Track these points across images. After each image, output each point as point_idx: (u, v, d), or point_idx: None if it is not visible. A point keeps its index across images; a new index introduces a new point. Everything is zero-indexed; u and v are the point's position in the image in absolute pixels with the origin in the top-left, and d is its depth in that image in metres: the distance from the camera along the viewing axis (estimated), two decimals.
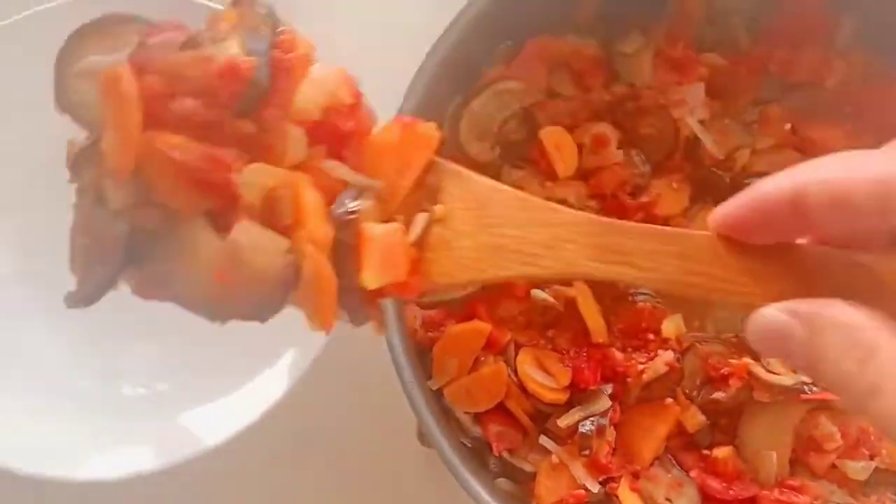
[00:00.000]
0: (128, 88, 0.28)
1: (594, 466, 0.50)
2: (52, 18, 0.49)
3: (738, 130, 0.59)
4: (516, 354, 0.52)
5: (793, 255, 0.29)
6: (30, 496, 0.51)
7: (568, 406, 0.51)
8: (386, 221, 0.30)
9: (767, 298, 0.28)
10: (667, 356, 0.52)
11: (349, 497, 0.57)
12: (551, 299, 0.53)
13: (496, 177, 0.57)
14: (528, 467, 0.50)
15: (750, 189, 0.30)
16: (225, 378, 0.50)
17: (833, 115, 0.59)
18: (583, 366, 0.51)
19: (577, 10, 0.58)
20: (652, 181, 0.57)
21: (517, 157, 0.57)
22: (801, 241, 0.31)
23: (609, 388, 0.51)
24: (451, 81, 0.54)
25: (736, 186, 0.57)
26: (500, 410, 0.52)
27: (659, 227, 0.30)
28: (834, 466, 0.51)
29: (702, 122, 0.58)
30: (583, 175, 0.57)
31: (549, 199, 0.54)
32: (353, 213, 0.29)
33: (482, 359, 0.52)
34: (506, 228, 0.30)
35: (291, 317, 0.31)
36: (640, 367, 0.51)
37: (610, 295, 0.54)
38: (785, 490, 0.50)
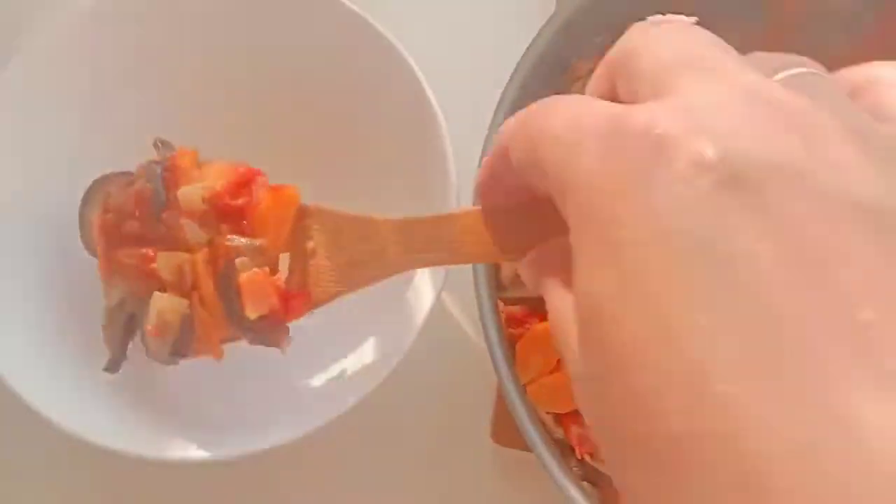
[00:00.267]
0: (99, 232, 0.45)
1: None
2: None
3: None
4: None
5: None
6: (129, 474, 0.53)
7: None
8: (272, 264, 0.41)
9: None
10: None
11: (420, 490, 0.56)
12: None
13: None
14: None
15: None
16: (316, 372, 0.50)
17: None
18: None
19: (673, 6, 0.57)
20: None
21: None
22: None
23: None
24: (543, 77, 0.53)
25: None
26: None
27: (437, 215, 0.36)
28: None
29: None
30: None
31: None
32: (232, 269, 0.41)
33: None
34: (350, 246, 0.39)
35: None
36: None
37: None
38: None
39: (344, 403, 0.45)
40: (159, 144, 0.47)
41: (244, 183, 0.43)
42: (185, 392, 0.51)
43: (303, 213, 0.41)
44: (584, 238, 0.21)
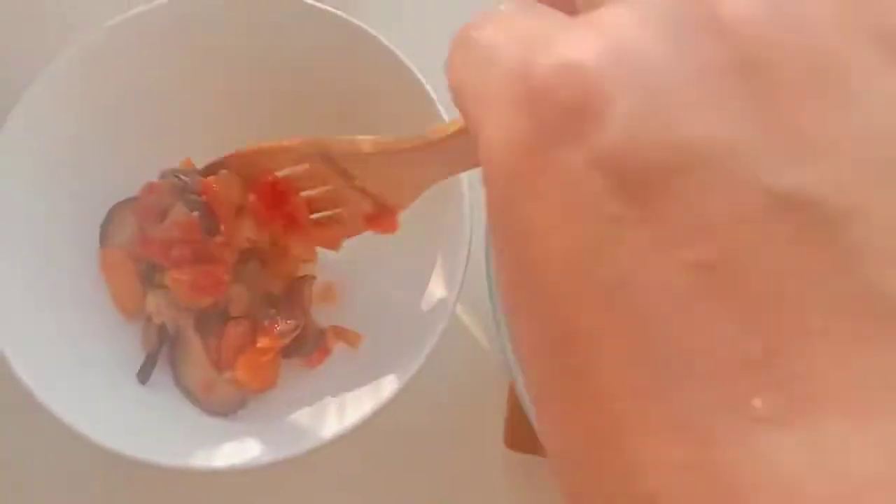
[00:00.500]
0: (110, 260, 0.54)
1: None
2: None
3: None
4: None
5: None
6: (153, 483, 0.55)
7: None
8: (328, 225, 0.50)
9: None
10: None
11: (436, 496, 0.57)
12: None
13: None
14: None
15: None
16: (334, 382, 0.52)
17: None
18: None
19: None
20: None
21: None
22: None
23: None
24: None
25: None
26: None
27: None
28: None
29: None
30: None
31: None
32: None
33: None
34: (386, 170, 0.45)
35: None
36: None
37: None
38: None
39: (362, 412, 0.46)
40: (181, 174, 0.53)
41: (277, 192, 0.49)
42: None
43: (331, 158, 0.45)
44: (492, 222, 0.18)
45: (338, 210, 0.48)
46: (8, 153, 0.50)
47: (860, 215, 0.14)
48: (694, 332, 0.14)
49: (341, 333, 0.54)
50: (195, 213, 0.50)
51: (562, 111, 0.15)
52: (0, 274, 0.48)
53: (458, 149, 0.38)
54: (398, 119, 0.51)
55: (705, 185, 0.14)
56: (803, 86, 0.14)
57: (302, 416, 0.50)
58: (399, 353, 0.50)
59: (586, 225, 0.15)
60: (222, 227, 0.51)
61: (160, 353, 0.52)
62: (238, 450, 0.47)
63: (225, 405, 0.51)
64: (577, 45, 0.16)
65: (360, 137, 0.45)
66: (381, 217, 0.47)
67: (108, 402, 0.49)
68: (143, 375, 0.51)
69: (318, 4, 0.53)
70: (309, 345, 0.52)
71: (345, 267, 0.56)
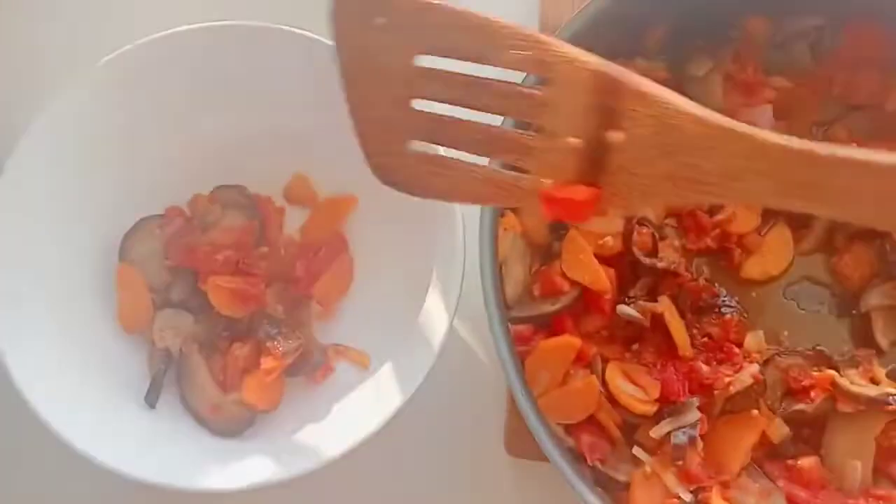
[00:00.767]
0: (126, 274, 0.55)
1: (685, 476, 0.51)
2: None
3: None
4: (604, 368, 0.54)
5: None
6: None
7: (655, 418, 0.53)
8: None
9: None
10: (752, 368, 0.53)
11: (441, 501, 0.59)
12: (638, 315, 0.54)
13: None
14: (621, 477, 0.52)
15: None
16: (339, 400, 0.53)
17: (894, 135, 0.61)
18: (672, 378, 0.53)
19: (647, 36, 0.61)
20: None
21: None
22: None
23: (696, 401, 0.53)
24: None
25: None
26: (590, 422, 0.53)
27: (855, 151, 0.28)
28: None
29: None
30: None
31: (629, 217, 0.57)
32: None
33: (571, 372, 0.54)
34: (684, 155, 0.29)
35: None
36: (727, 379, 0.53)
37: (692, 308, 0.56)
38: (871, 499, 0.52)
39: (369, 428, 0.48)
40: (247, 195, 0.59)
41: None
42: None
43: (614, 92, 0.30)
44: None
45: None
46: (25, 169, 0.51)
47: None
48: None
49: (347, 353, 0.55)
50: (255, 221, 0.56)
51: None
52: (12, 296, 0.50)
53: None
54: None
55: None
56: None
57: (309, 433, 0.51)
58: (401, 368, 0.52)
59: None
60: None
61: (165, 375, 0.53)
62: (248, 469, 0.49)
63: (233, 426, 0.52)
64: None
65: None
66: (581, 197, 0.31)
67: (118, 425, 0.50)
68: (151, 399, 0.52)
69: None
70: (312, 363, 0.54)
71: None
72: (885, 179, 0.27)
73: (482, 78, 0.33)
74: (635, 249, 0.55)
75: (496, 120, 0.35)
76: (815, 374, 0.54)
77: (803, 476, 0.52)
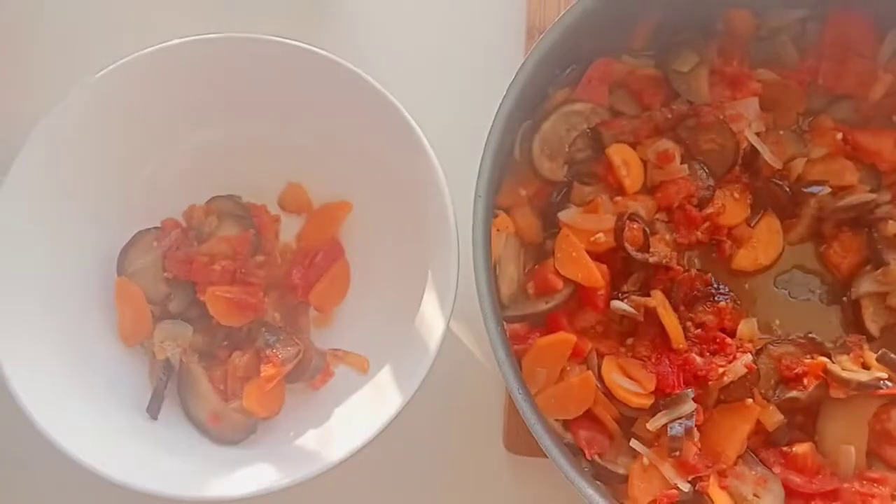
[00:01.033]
0: (124, 287, 0.56)
1: (682, 467, 0.52)
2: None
3: (792, 140, 0.62)
4: (600, 363, 0.55)
5: None
6: None
7: (652, 410, 0.54)
8: None
9: None
10: (745, 358, 0.54)
11: (444, 499, 0.60)
12: (631, 310, 0.55)
13: (566, 193, 0.60)
14: (620, 470, 0.53)
15: None
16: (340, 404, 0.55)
17: (881, 123, 0.62)
18: (667, 371, 0.53)
19: (633, 34, 0.61)
20: (715, 192, 0.60)
21: (585, 174, 0.60)
22: None
23: (691, 392, 0.53)
24: (523, 108, 0.57)
25: (795, 195, 0.61)
26: (587, 417, 0.54)
27: None
28: None
29: (758, 134, 0.61)
30: (649, 189, 0.59)
31: (620, 213, 0.58)
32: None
33: (567, 368, 0.55)
34: None
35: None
36: (721, 370, 0.54)
37: (685, 301, 0.57)
38: (865, 482, 0.53)
39: (369, 430, 0.49)
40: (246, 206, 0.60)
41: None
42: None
43: None
44: None
45: None
46: (22, 185, 0.52)
47: None
48: None
49: (346, 358, 0.56)
50: (251, 231, 0.57)
51: None
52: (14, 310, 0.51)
53: None
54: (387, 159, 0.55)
55: None
56: None
57: (311, 438, 0.52)
58: (399, 370, 0.52)
59: None
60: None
61: (167, 386, 0.54)
62: (251, 477, 0.49)
63: (235, 434, 0.53)
64: None
65: None
66: None
67: (121, 438, 0.51)
68: (153, 411, 0.53)
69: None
70: (311, 369, 0.55)
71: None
72: None
73: None
74: (627, 245, 0.56)
75: None
76: (807, 361, 0.55)
77: (798, 462, 0.53)
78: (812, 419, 0.55)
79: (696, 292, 0.57)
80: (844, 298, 0.60)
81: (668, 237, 0.59)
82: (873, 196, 0.60)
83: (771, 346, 0.57)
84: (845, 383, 0.53)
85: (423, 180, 0.53)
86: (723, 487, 0.52)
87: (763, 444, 0.55)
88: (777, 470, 0.53)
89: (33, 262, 0.52)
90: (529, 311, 0.55)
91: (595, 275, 0.55)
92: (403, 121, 0.54)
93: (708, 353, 0.55)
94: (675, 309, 0.57)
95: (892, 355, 0.55)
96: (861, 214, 0.60)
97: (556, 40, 0.55)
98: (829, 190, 0.60)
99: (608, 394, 0.54)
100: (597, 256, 0.56)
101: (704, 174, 0.59)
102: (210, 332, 0.55)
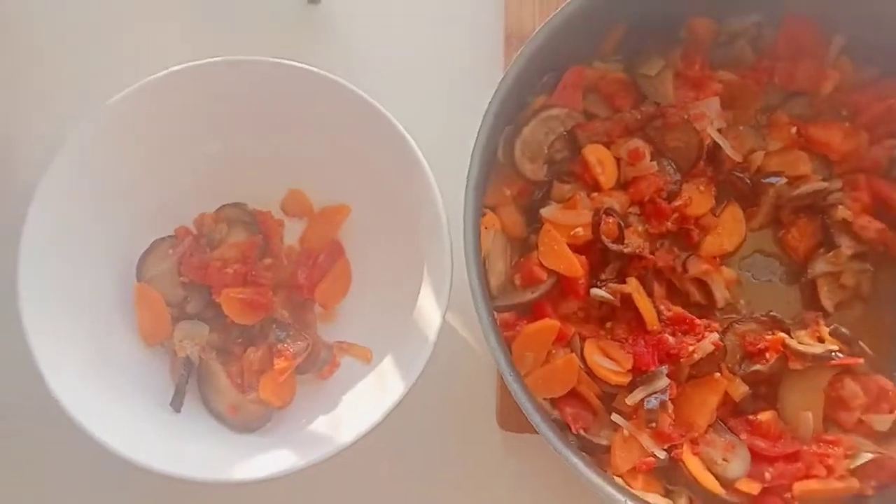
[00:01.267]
0: (144, 292, 0.60)
1: (659, 437, 0.57)
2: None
3: (751, 135, 0.67)
4: (582, 345, 0.60)
5: None
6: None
7: (630, 387, 0.59)
8: None
9: None
10: (713, 337, 0.59)
11: (442, 474, 0.65)
12: (609, 296, 0.60)
13: (547, 192, 0.65)
14: (603, 441, 0.58)
15: None
16: (346, 392, 0.60)
17: (831, 117, 0.67)
18: (642, 350, 0.59)
19: (603, 41, 0.66)
20: (682, 186, 0.65)
21: (564, 173, 0.65)
22: None
23: (665, 369, 0.59)
24: (505, 115, 0.61)
25: (755, 185, 0.66)
26: (572, 395, 0.59)
27: None
28: (860, 421, 0.59)
29: (719, 130, 0.66)
30: (623, 185, 0.65)
31: (597, 208, 0.63)
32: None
33: (553, 351, 0.60)
34: None
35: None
36: (691, 348, 0.59)
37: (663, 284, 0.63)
38: (822, 444, 0.58)
39: (375, 416, 0.53)
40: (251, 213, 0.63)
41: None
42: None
43: None
44: None
45: None
46: (49, 206, 0.55)
47: None
48: None
49: (351, 350, 0.61)
50: (259, 236, 0.60)
51: None
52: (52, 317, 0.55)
53: None
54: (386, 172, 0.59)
55: None
56: None
57: (322, 424, 0.57)
58: (400, 359, 0.57)
59: None
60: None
61: (188, 382, 0.58)
62: (269, 461, 0.54)
63: (252, 423, 0.57)
64: None
65: None
66: None
67: (150, 430, 0.55)
68: (176, 405, 0.57)
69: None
70: (320, 360, 0.59)
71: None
72: None
73: None
74: (603, 237, 0.61)
75: None
76: (768, 337, 0.61)
77: (763, 428, 0.59)
78: (774, 389, 0.61)
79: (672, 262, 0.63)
80: (802, 279, 0.65)
81: (640, 229, 0.64)
82: (825, 184, 0.65)
83: (736, 325, 0.62)
84: (802, 356, 0.59)
85: (416, 184, 0.58)
86: (695, 454, 0.57)
87: (731, 413, 0.61)
88: (744, 436, 0.59)
89: (61, 274, 0.56)
90: (517, 301, 0.60)
91: (575, 265, 0.60)
92: (395, 130, 0.58)
93: (679, 334, 0.61)
94: (649, 294, 0.62)
95: (843, 329, 0.61)
96: (815, 202, 0.66)
97: (534, 52, 0.59)
98: (785, 180, 0.65)
99: (590, 373, 0.59)
100: (577, 248, 0.61)
101: (672, 169, 0.64)
102: (225, 331, 0.59)
